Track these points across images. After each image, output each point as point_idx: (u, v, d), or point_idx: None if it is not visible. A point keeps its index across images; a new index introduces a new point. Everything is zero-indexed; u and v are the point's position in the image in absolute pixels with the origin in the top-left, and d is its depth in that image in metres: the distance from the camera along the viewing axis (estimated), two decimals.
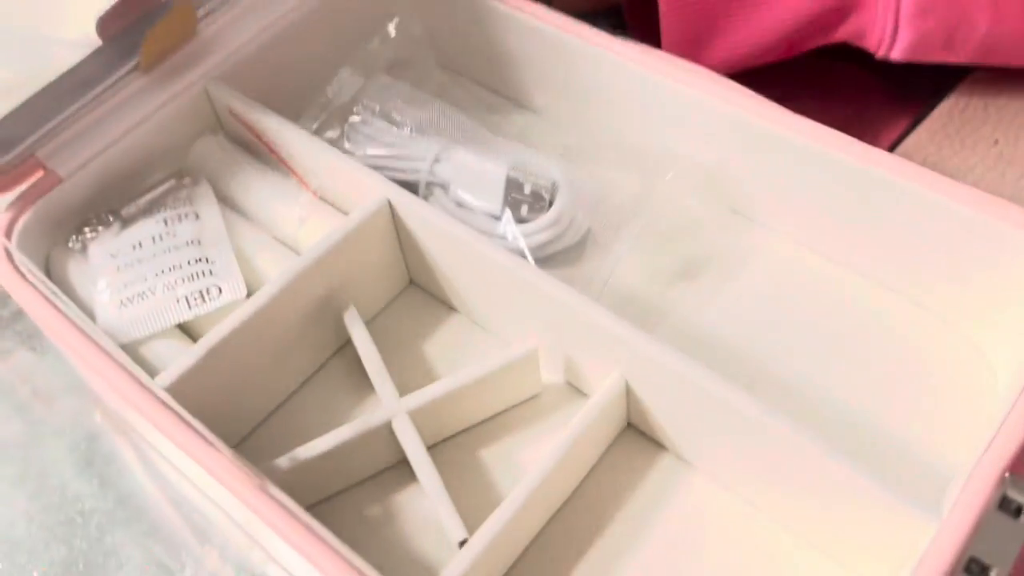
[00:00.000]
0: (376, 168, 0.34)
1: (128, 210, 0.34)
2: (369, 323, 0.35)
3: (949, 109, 0.42)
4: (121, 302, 0.31)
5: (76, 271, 0.33)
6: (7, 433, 0.36)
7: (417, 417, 0.30)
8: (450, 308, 0.35)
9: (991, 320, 0.31)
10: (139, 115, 0.35)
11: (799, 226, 0.35)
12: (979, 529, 0.23)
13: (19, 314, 0.39)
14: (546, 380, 0.33)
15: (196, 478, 0.32)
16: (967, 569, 0.22)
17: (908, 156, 0.40)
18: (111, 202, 0.35)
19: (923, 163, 0.40)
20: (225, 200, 0.35)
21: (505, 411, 0.32)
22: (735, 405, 0.26)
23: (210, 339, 0.29)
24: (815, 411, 0.31)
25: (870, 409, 0.31)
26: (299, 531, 0.24)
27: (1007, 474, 0.23)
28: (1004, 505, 0.23)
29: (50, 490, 0.34)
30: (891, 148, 0.41)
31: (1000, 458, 0.24)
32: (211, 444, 0.26)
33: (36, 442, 0.35)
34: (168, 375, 0.28)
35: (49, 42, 0.42)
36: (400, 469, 0.31)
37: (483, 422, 0.32)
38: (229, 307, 0.31)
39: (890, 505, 0.24)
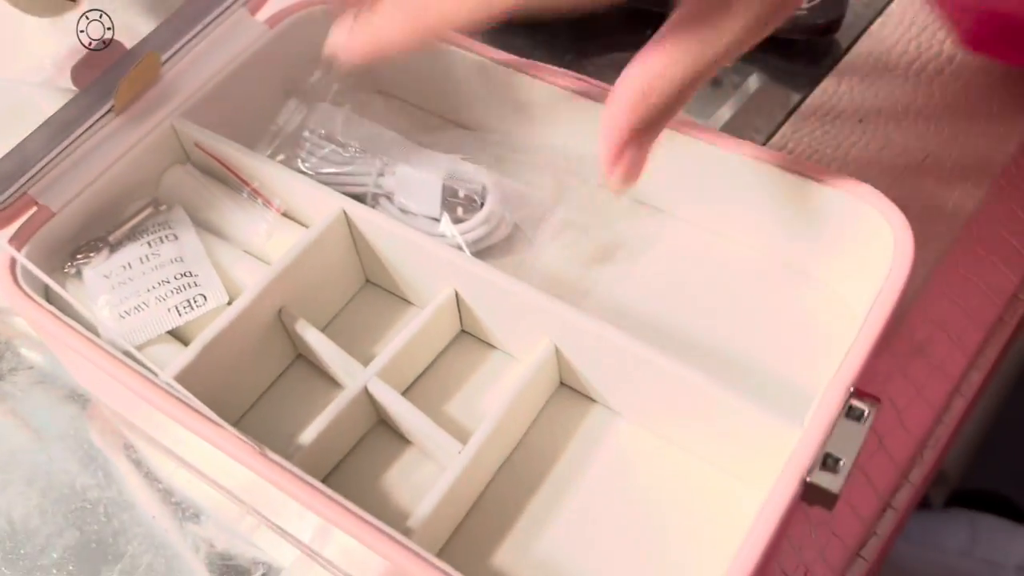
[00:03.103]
0: (327, 184, 0.40)
1: (114, 236, 0.39)
2: (333, 320, 0.41)
3: (820, 95, 0.49)
4: (120, 315, 0.36)
5: (73, 293, 0.38)
6: (17, 442, 0.40)
7: (385, 375, 0.35)
8: (404, 301, 0.41)
9: (848, 273, 0.38)
10: (116, 152, 0.40)
11: (692, 209, 0.42)
12: (831, 432, 0.29)
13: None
14: (492, 352, 0.39)
15: (197, 460, 0.37)
16: (823, 463, 0.29)
17: (786, 139, 0.48)
18: (98, 231, 0.40)
19: (797, 145, 0.47)
20: (198, 222, 0.40)
21: (454, 375, 0.38)
22: (644, 357, 0.33)
23: (204, 337, 0.34)
24: (710, 356, 0.37)
25: (753, 350, 0.37)
26: (296, 483, 0.30)
27: (851, 389, 0.30)
28: (849, 413, 0.30)
29: (60, 485, 0.39)
30: (769, 137, 0.48)
31: (845, 378, 0.30)
32: (215, 422, 0.31)
33: (42, 447, 0.40)
34: (172, 369, 0.33)
35: (11, 84, 0.46)
36: (372, 434, 0.37)
37: (437, 384, 0.38)
38: (213, 312, 0.36)
39: (766, 421, 0.31)
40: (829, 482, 0.28)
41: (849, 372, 0.31)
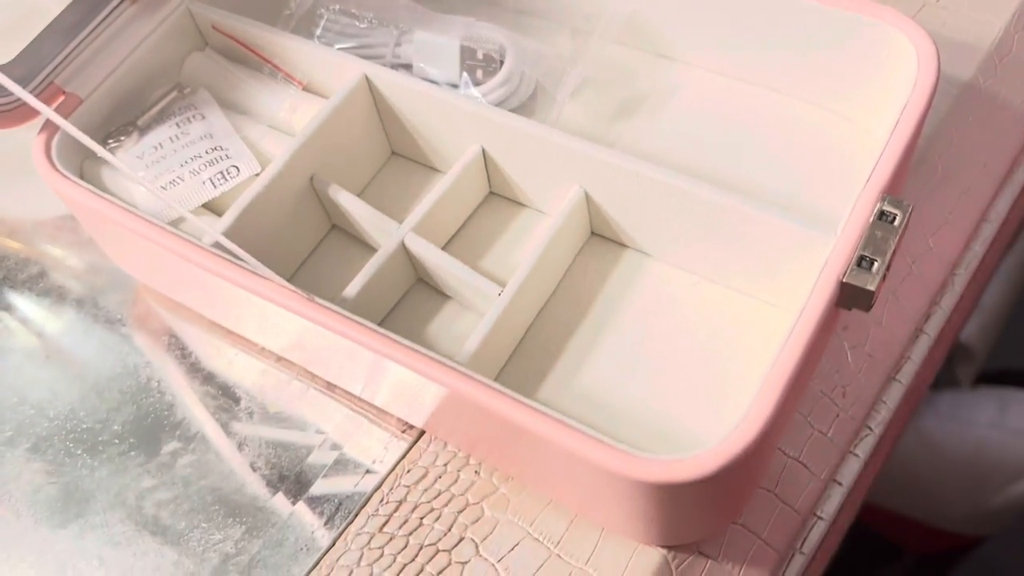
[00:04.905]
0: None
1: (143, 120, 0.40)
2: (363, 191, 0.41)
3: None
4: (158, 190, 0.37)
5: (108, 176, 0.38)
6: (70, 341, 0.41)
7: (420, 230, 0.36)
8: (432, 169, 0.41)
9: (874, 104, 0.38)
10: (136, 38, 0.40)
11: (712, 57, 0.42)
12: (866, 235, 0.30)
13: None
14: (522, 210, 0.39)
15: (244, 328, 0.38)
16: (859, 263, 0.29)
17: None
18: (125, 117, 0.40)
19: None
20: (223, 104, 0.41)
21: (486, 233, 0.39)
22: (676, 186, 0.33)
23: (241, 202, 0.35)
24: (746, 190, 0.38)
25: (784, 186, 0.38)
26: (347, 323, 0.30)
27: (882, 194, 0.31)
28: (882, 217, 0.30)
29: (112, 364, 0.40)
30: None
31: (876, 185, 0.31)
32: (263, 275, 0.32)
33: (91, 338, 0.41)
34: (213, 232, 0.34)
35: None
36: (413, 292, 0.38)
37: (470, 243, 0.39)
38: (247, 182, 0.37)
39: (801, 235, 0.31)
40: (864, 281, 0.29)
41: (880, 180, 0.31)
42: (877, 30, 0.35)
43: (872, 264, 0.29)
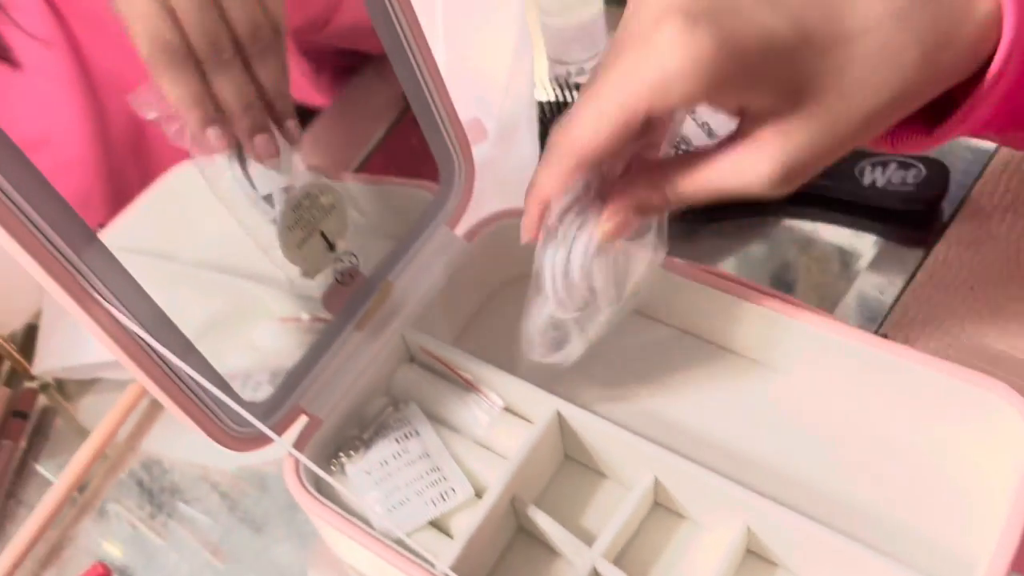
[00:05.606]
0: None
1: (367, 434, 0.48)
2: (542, 494, 0.49)
3: (932, 263, 0.57)
4: (389, 509, 0.45)
5: (341, 488, 0.46)
6: None
7: (609, 555, 0.43)
8: (600, 474, 0.49)
9: (983, 451, 0.45)
10: (363, 362, 0.49)
11: (829, 380, 0.49)
12: None
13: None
14: (683, 522, 0.47)
15: None
16: None
17: (907, 307, 0.55)
18: (349, 429, 0.48)
19: (918, 313, 0.54)
20: (429, 415, 0.49)
21: (652, 545, 0.46)
22: (819, 535, 0.40)
23: (466, 531, 0.42)
24: (871, 521, 0.44)
25: (907, 520, 0.44)
26: None
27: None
28: None
29: None
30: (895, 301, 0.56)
31: (1002, 563, 0.38)
32: None
33: None
34: (446, 559, 0.41)
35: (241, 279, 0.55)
36: None
37: (640, 555, 0.46)
38: (463, 504, 0.45)
39: None
40: None
41: (1004, 557, 0.38)
42: (989, 399, 0.43)
43: None
